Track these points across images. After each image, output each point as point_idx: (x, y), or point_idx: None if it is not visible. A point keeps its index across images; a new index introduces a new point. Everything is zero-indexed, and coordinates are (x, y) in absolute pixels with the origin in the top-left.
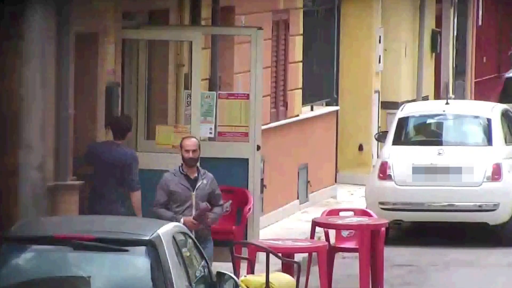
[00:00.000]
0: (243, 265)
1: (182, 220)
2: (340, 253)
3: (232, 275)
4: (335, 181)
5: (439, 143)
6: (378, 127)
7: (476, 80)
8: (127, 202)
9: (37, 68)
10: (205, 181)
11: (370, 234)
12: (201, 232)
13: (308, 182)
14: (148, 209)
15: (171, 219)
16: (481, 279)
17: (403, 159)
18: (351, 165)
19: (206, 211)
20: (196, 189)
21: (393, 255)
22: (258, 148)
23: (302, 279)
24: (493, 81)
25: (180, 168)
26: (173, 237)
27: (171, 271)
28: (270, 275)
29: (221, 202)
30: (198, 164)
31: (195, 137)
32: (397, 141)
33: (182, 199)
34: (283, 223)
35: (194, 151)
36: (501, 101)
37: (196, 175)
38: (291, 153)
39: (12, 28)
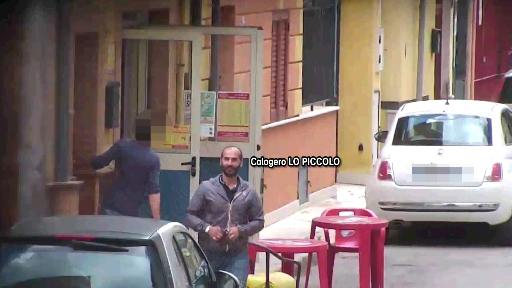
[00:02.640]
0: None
1: (208, 228)
2: (340, 253)
3: (232, 275)
4: (335, 181)
5: (439, 143)
6: (378, 127)
7: (476, 80)
8: (143, 205)
9: (37, 68)
10: (244, 193)
11: (370, 234)
12: (232, 245)
13: (308, 182)
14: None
15: (197, 226)
16: (481, 279)
17: (403, 159)
18: (351, 165)
19: (229, 235)
20: (233, 200)
21: (393, 255)
22: (258, 148)
23: (302, 279)
24: (493, 81)
25: (220, 177)
26: (173, 237)
27: (171, 271)
28: (270, 275)
29: (261, 216)
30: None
31: (237, 147)
32: (397, 141)
33: (217, 210)
34: (283, 223)
35: (233, 159)
36: (501, 101)
37: (235, 186)
38: (291, 153)
39: (12, 28)
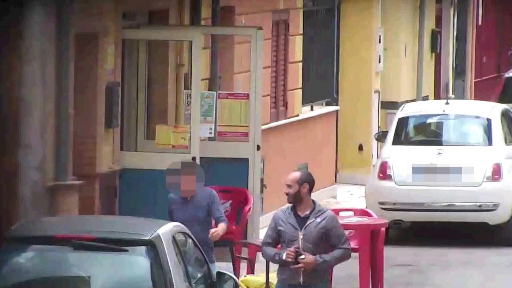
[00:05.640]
0: (243, 265)
1: (284, 255)
2: None
3: (232, 275)
4: (335, 181)
5: (439, 143)
6: (378, 127)
7: (476, 80)
8: None
9: (37, 68)
10: (318, 220)
11: (370, 234)
12: (307, 277)
13: None
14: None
15: (274, 257)
16: (481, 279)
17: (403, 159)
18: (351, 165)
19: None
20: (304, 228)
21: (393, 255)
22: (258, 148)
23: None
24: (493, 81)
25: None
26: (173, 237)
27: (171, 271)
28: (270, 275)
29: (345, 245)
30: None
31: (301, 171)
32: (397, 141)
33: (288, 240)
34: None
35: (288, 186)
36: (501, 101)
37: (307, 212)
38: (291, 153)
39: (12, 28)
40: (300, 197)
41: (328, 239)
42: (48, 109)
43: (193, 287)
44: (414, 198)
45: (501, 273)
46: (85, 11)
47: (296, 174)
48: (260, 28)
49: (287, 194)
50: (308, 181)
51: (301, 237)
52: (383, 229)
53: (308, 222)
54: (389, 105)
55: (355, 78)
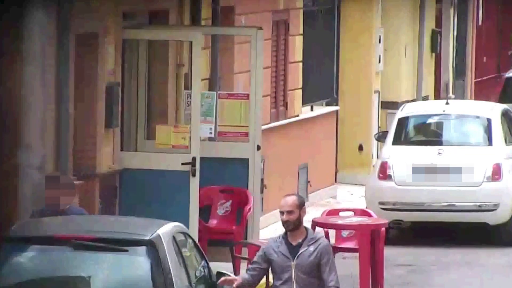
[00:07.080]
0: (243, 265)
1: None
2: (340, 253)
3: (232, 275)
4: (335, 181)
5: (439, 143)
6: (378, 127)
7: (476, 80)
8: None
9: (37, 68)
10: (311, 249)
11: (370, 234)
12: None
13: (308, 182)
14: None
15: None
16: (481, 279)
17: (403, 159)
18: (351, 165)
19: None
20: (297, 257)
21: (393, 255)
22: (258, 148)
23: None
24: (493, 81)
25: (285, 232)
26: (173, 237)
27: (171, 271)
28: (270, 276)
29: (331, 277)
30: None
31: (296, 195)
32: (397, 141)
33: (280, 270)
34: None
35: (288, 212)
36: (501, 101)
37: (300, 240)
38: (291, 153)
39: (12, 28)
40: (299, 222)
41: (318, 270)
42: (48, 109)
43: (193, 287)
44: (414, 198)
45: (501, 273)
46: (85, 11)
47: (293, 198)
48: (260, 28)
49: (286, 221)
50: (304, 203)
51: (294, 266)
52: (383, 229)
53: (300, 251)
54: (389, 105)
55: (355, 78)
